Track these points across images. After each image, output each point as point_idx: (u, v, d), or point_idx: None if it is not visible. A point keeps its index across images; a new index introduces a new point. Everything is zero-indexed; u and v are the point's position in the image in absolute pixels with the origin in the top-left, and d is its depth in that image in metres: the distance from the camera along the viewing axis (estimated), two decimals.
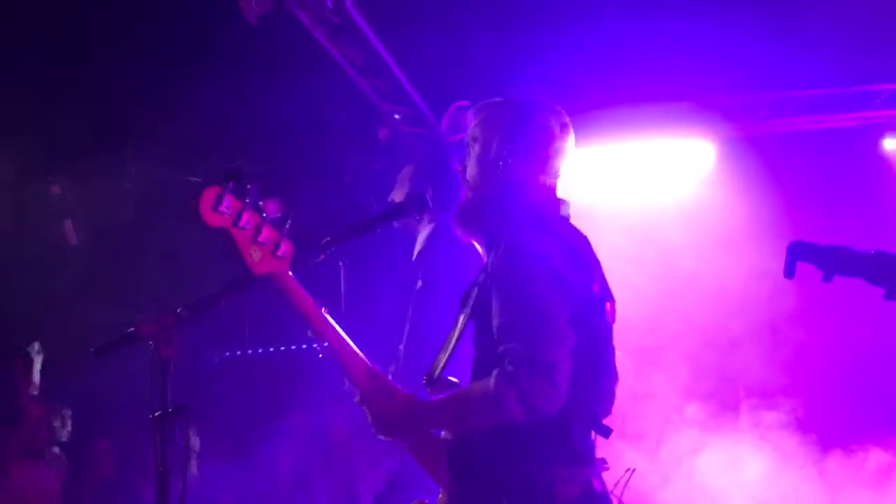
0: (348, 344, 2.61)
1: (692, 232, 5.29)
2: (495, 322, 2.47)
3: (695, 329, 5.13)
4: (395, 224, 4.24)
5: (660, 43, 5.00)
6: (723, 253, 5.14)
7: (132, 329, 2.78)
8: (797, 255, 1.88)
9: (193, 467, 4.90)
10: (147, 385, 2.80)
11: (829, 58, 5.12)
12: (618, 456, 2.56)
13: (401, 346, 4.33)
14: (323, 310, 2.62)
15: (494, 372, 2.40)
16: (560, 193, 2.78)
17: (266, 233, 2.57)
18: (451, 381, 2.77)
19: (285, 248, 2.60)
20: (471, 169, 2.76)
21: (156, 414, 2.76)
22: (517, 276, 2.48)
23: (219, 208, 2.52)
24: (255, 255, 2.57)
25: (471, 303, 2.69)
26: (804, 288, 4.46)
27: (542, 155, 2.74)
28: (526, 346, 2.41)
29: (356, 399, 2.62)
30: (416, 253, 4.73)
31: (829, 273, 1.86)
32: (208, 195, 2.52)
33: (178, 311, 2.80)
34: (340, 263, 4.44)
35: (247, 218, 2.55)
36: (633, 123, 5.53)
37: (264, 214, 2.60)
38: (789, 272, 1.88)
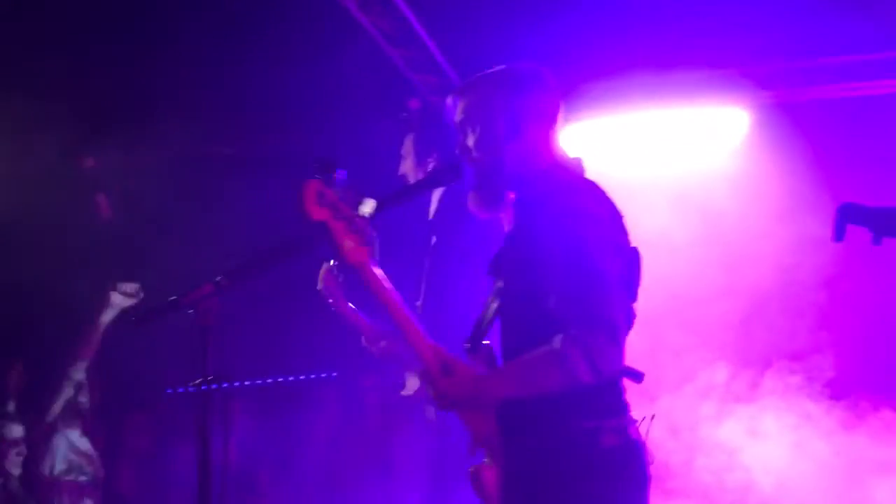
0: (417, 326, 2.66)
1: (729, 200, 5.25)
2: (549, 283, 2.49)
3: (733, 293, 5.12)
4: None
5: (693, 8, 4.94)
6: (761, 220, 5.09)
7: (173, 298, 2.81)
8: (847, 217, 1.85)
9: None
10: (184, 356, 2.84)
11: (866, 21, 5.02)
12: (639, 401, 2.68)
13: (418, 303, 4.38)
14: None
15: (558, 336, 2.44)
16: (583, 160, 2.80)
17: (356, 222, 2.63)
18: (491, 348, 2.80)
19: (370, 236, 2.67)
20: (479, 149, 2.74)
21: (196, 382, 2.79)
22: (571, 237, 2.52)
23: (321, 202, 2.58)
24: (348, 246, 2.63)
25: (507, 268, 2.71)
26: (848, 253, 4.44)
27: (550, 115, 2.75)
28: (588, 308, 2.45)
29: (416, 373, 2.69)
30: (431, 212, 4.77)
31: (878, 235, 1.84)
32: (310, 189, 2.58)
33: (218, 279, 2.83)
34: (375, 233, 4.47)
35: (342, 209, 2.61)
36: (664, 91, 5.47)
37: (353, 203, 2.67)
38: (839, 235, 1.86)
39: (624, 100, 5.56)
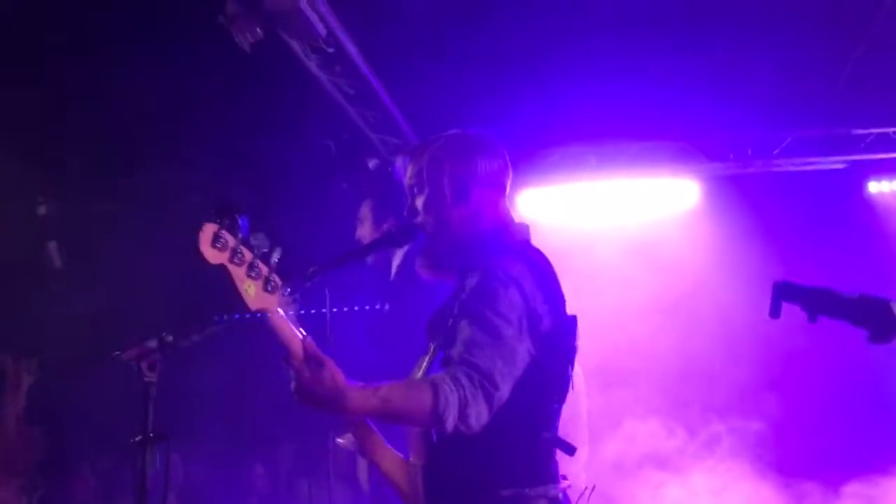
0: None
1: (675, 264, 5.33)
2: (458, 335, 2.50)
3: (668, 356, 5.17)
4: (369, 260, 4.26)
5: (649, 83, 5.06)
6: (703, 287, 5.17)
7: (117, 353, 2.78)
8: (782, 295, 1.89)
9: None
10: (129, 409, 2.81)
11: (815, 100, 5.19)
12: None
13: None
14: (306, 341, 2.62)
15: (439, 375, 2.42)
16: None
17: (258, 268, 2.59)
18: None
19: (275, 282, 2.62)
20: (426, 211, 2.76)
21: (137, 438, 2.76)
22: (486, 297, 2.51)
23: (216, 245, 2.54)
24: (249, 291, 2.58)
25: (442, 331, 2.70)
26: (787, 327, 4.49)
27: (498, 181, 2.78)
28: (482, 365, 2.43)
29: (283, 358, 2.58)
30: (392, 274, 4.77)
31: (813, 314, 1.88)
32: (206, 232, 2.54)
33: (163, 335, 2.81)
34: (326, 291, 4.44)
35: (241, 253, 2.58)
36: (623, 160, 5.58)
37: (256, 249, 2.63)
38: (774, 312, 1.90)
39: (582, 167, 5.67)
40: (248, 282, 2.56)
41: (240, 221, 2.60)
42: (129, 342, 2.79)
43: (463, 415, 2.39)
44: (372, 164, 5.42)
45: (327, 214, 5.17)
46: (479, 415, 2.42)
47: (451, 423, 2.38)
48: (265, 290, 2.57)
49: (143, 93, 4.91)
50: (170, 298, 4.95)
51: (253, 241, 2.60)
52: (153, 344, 2.78)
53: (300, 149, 5.35)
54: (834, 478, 4.84)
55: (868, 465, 4.79)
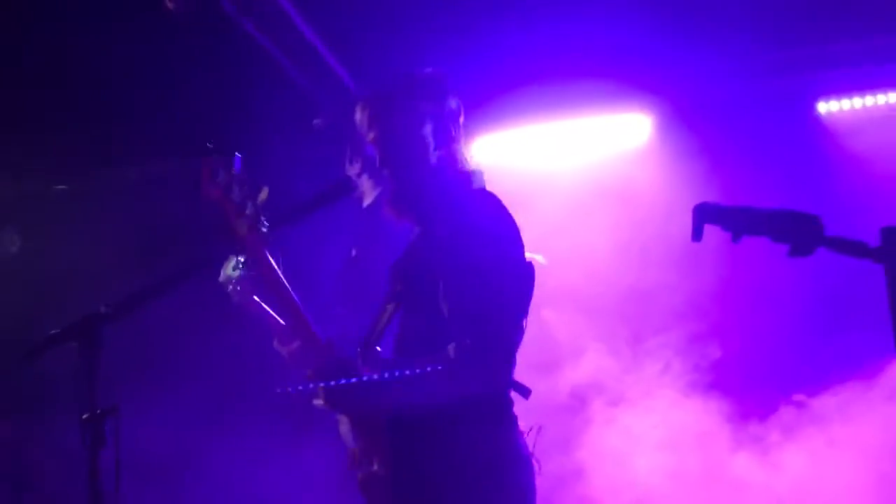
0: (309, 320, 2.70)
1: (631, 198, 5.33)
2: (453, 299, 2.51)
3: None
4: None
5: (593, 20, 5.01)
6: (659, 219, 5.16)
7: (55, 331, 2.75)
8: (703, 217, 1.89)
9: None
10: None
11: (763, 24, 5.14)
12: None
13: (336, 312, 4.33)
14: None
15: (452, 345, 2.44)
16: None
17: (250, 207, 2.64)
18: (383, 354, 2.79)
19: (263, 222, 2.68)
20: (381, 156, 2.76)
21: (85, 416, 2.73)
22: (471, 252, 2.54)
23: (215, 180, 2.59)
24: (241, 228, 2.64)
25: (406, 281, 2.71)
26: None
27: (456, 124, 2.77)
28: (486, 322, 2.46)
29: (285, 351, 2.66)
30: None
31: (736, 233, 1.88)
32: (206, 167, 2.58)
33: (102, 309, 2.77)
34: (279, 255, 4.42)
35: (235, 191, 2.63)
36: (570, 100, 5.54)
37: (247, 188, 2.68)
38: (696, 235, 1.90)
39: (530, 111, 5.63)
40: (241, 220, 2.63)
41: (234, 159, 2.65)
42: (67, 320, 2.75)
43: (487, 379, 2.55)
44: (317, 123, 5.37)
45: (277, 175, 5.11)
46: (502, 373, 2.60)
47: (479, 388, 2.55)
48: (257, 228, 2.64)
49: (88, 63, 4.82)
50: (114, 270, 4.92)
51: (244, 179, 2.66)
52: (93, 318, 2.75)
53: (244, 111, 5.27)
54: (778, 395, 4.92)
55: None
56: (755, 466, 4.81)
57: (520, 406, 2.63)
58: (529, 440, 2.60)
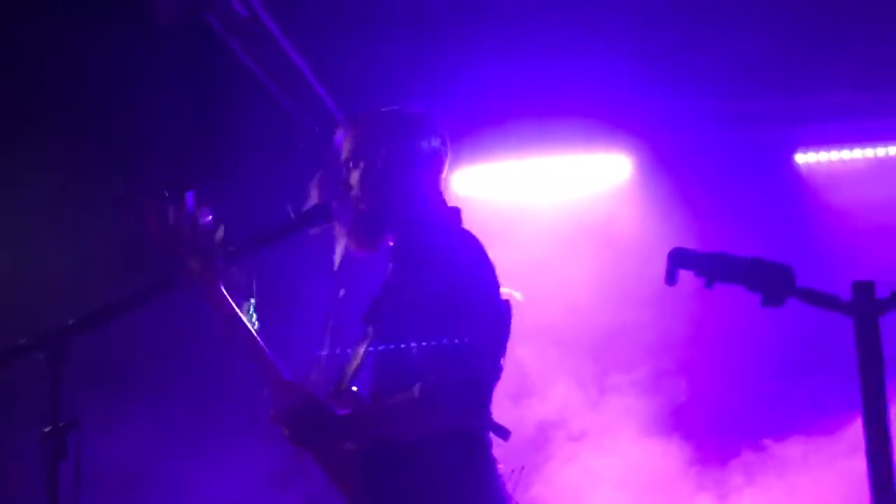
0: (265, 352, 2.64)
1: (610, 236, 5.36)
2: (421, 338, 2.51)
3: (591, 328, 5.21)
4: (312, 231, 4.22)
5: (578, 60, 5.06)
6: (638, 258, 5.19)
7: (23, 341, 2.72)
8: (678, 262, 1.90)
9: None
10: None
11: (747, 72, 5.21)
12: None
13: (322, 353, 4.29)
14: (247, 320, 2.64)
15: (417, 385, 2.41)
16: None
17: (203, 243, 2.61)
18: (358, 394, 2.77)
19: (218, 258, 2.64)
20: (359, 185, 2.74)
21: (46, 430, 2.69)
22: (448, 291, 2.52)
23: (163, 220, 2.55)
24: (194, 264, 2.60)
25: (379, 319, 2.70)
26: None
27: (435, 161, 2.76)
28: (456, 366, 2.43)
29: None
30: (336, 262, 4.70)
31: (709, 279, 1.89)
32: (150, 208, 2.54)
33: (70, 322, 2.75)
34: (253, 280, 4.41)
35: (186, 229, 2.58)
36: (551, 136, 5.58)
37: (202, 225, 2.63)
38: (670, 279, 1.91)
39: (515, 145, 5.67)
40: (193, 258, 2.58)
41: (186, 195, 2.60)
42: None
43: (451, 416, 2.53)
44: (301, 145, 5.38)
45: (258, 197, 5.10)
46: (468, 410, 2.56)
47: (443, 424, 2.54)
48: (209, 265, 2.59)
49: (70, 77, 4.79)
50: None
51: (199, 217, 2.60)
52: (60, 331, 2.72)
53: (229, 131, 5.26)
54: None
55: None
56: None
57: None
58: (510, 482, 2.58)
